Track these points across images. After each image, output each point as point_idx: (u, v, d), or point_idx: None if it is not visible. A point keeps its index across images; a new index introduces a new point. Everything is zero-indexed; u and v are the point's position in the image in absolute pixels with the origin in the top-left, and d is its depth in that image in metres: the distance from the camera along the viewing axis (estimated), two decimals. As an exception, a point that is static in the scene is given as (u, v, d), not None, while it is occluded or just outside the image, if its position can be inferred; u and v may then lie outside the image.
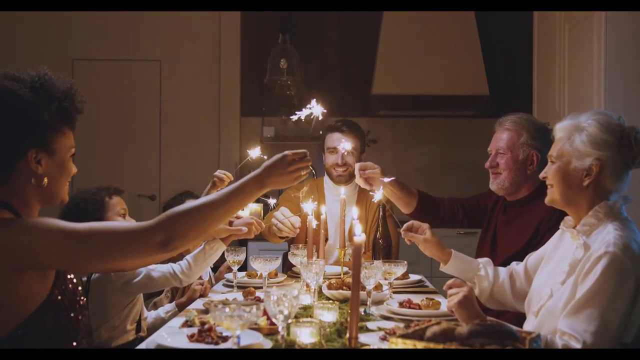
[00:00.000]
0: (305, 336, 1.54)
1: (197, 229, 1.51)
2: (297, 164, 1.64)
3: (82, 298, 1.55)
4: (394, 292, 2.32)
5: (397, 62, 4.79)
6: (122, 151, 5.25)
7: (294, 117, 2.06)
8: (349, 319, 1.43)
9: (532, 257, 2.04)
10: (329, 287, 2.26)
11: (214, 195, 1.56)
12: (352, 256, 1.49)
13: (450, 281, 1.78)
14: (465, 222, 2.79)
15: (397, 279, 2.35)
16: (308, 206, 2.50)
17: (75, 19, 5.12)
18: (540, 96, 4.31)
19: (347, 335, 1.43)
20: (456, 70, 4.71)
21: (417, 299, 2.07)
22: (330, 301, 2.10)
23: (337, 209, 2.71)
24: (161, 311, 2.57)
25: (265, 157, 1.73)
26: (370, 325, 1.86)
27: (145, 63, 5.26)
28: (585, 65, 3.52)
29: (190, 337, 1.63)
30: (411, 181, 3.02)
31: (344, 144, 2.78)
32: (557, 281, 1.73)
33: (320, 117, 2.03)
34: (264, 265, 2.33)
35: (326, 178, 3.24)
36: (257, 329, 1.70)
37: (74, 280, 1.55)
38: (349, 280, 2.18)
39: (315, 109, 2.04)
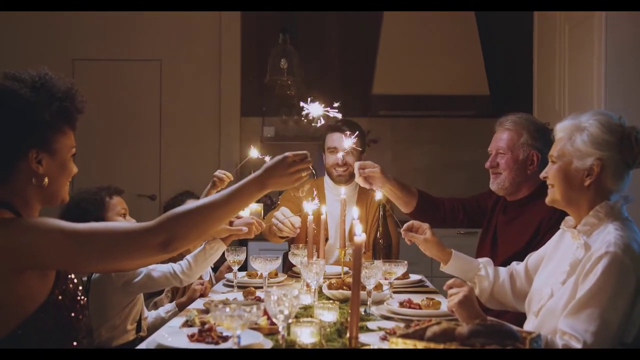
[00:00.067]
0: (306, 336, 1.54)
1: (198, 230, 1.52)
2: (297, 166, 1.64)
3: (82, 298, 1.55)
4: (394, 292, 2.32)
5: (397, 62, 4.79)
6: (122, 151, 5.24)
7: (313, 114, 2.06)
8: (349, 318, 1.43)
9: (532, 257, 2.04)
10: (329, 287, 2.26)
11: (215, 196, 1.56)
12: (353, 256, 1.48)
13: (450, 281, 1.78)
14: (466, 222, 2.80)
15: (397, 278, 2.35)
16: (308, 206, 2.50)
17: (75, 19, 5.11)
18: (541, 96, 4.31)
19: (348, 335, 1.42)
20: (456, 70, 4.71)
21: (417, 298, 2.08)
22: (331, 301, 2.10)
23: (338, 208, 2.71)
24: (161, 311, 2.57)
25: (266, 158, 1.73)
26: (370, 325, 1.86)
27: (146, 63, 5.25)
28: (586, 65, 3.52)
29: (191, 337, 1.63)
30: (411, 181, 3.02)
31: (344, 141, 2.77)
32: (557, 281, 1.73)
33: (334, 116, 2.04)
34: (264, 265, 2.33)
35: (326, 178, 3.24)
36: (257, 328, 1.70)
37: (75, 280, 1.55)
38: (349, 280, 2.18)
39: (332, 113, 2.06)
